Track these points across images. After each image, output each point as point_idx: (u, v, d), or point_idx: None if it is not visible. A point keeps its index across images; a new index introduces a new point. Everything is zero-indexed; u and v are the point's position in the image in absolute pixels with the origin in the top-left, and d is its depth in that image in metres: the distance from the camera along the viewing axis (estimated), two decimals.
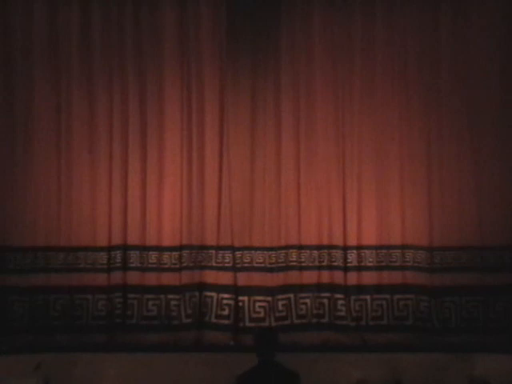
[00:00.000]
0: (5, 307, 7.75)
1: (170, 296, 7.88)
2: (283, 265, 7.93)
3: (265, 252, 7.96)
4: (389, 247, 7.92)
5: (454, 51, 8.03)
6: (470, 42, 8.04)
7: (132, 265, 7.91)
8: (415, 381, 7.26)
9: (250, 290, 7.89)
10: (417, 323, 7.82)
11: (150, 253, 7.94)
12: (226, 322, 7.81)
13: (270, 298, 7.87)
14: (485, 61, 8.00)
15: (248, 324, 7.83)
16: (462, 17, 8.05)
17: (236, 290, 7.89)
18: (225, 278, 7.89)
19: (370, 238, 7.93)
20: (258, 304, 7.88)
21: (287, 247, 7.96)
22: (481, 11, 8.05)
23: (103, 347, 7.64)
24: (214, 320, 7.83)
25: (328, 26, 8.09)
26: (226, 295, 7.85)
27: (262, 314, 7.86)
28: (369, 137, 8.02)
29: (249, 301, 7.88)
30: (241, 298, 7.86)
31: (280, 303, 7.88)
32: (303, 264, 7.93)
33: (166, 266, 7.93)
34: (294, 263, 7.94)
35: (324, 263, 7.92)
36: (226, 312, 7.83)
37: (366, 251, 7.92)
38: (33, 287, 7.79)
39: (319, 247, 7.94)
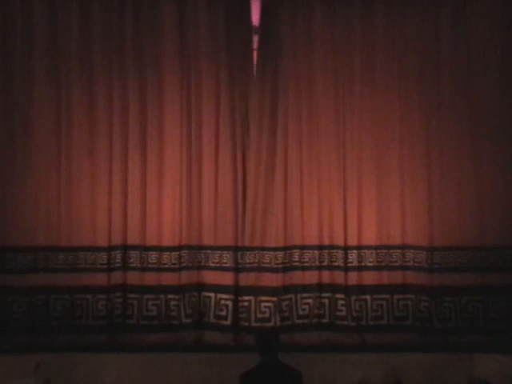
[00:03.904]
0: (5, 307, 7.74)
1: (170, 296, 7.87)
2: (287, 265, 7.91)
3: (270, 252, 7.92)
4: (389, 247, 7.93)
5: (455, 52, 8.05)
6: (471, 43, 8.05)
7: (132, 265, 7.90)
8: (415, 381, 7.27)
9: (254, 291, 7.86)
10: (417, 323, 7.82)
11: (150, 253, 7.93)
12: (225, 322, 7.81)
13: (275, 299, 7.85)
14: (486, 62, 8.02)
15: (254, 324, 7.81)
16: (463, 17, 8.06)
17: (237, 290, 7.88)
18: (225, 279, 7.88)
19: (370, 238, 7.94)
20: (263, 304, 7.85)
21: (290, 247, 7.94)
22: (482, 13, 8.05)
23: (103, 347, 7.63)
24: (213, 320, 7.82)
25: (328, 26, 8.08)
26: (226, 295, 7.84)
27: (267, 314, 7.84)
28: (369, 137, 8.02)
29: (255, 301, 7.85)
30: (247, 297, 7.85)
31: (283, 303, 7.86)
32: (305, 264, 7.91)
33: (166, 266, 7.92)
34: (297, 263, 7.93)
35: (325, 263, 7.91)
36: (224, 312, 7.82)
37: (367, 251, 7.93)
38: (33, 287, 7.77)
39: (320, 247, 7.93)
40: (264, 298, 7.85)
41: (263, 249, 7.94)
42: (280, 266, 7.91)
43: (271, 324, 7.80)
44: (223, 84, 8.06)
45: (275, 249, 7.93)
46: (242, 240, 7.92)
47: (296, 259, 7.93)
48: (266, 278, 7.90)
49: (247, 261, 7.91)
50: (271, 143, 8.02)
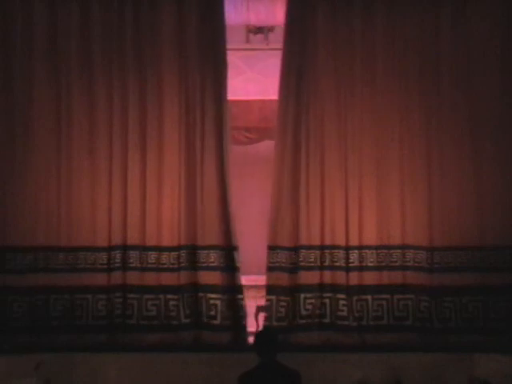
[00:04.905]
0: (5, 307, 7.75)
1: (169, 296, 7.87)
2: (297, 265, 7.89)
3: (285, 252, 7.92)
4: (389, 247, 7.92)
5: (455, 52, 8.06)
6: (471, 43, 8.06)
7: (132, 265, 7.89)
8: (415, 381, 7.27)
9: (275, 290, 7.86)
10: (417, 323, 7.82)
11: (150, 253, 7.93)
12: (224, 322, 7.82)
13: (288, 298, 7.86)
14: (486, 62, 8.03)
15: (275, 323, 7.83)
16: (463, 17, 8.07)
17: (225, 289, 7.88)
18: (226, 279, 7.89)
19: (370, 238, 7.92)
20: (280, 304, 7.87)
21: (297, 248, 7.92)
22: (482, 13, 8.06)
23: (103, 347, 7.63)
24: (211, 321, 7.82)
25: (330, 26, 8.08)
26: (226, 296, 7.85)
27: (283, 314, 7.86)
28: (369, 137, 8.02)
29: (276, 300, 7.85)
30: (268, 297, 7.87)
31: (295, 303, 7.86)
32: (311, 264, 7.89)
33: (165, 266, 7.91)
34: (303, 263, 7.90)
35: (326, 263, 7.89)
36: (216, 312, 7.82)
37: (367, 251, 7.92)
38: (33, 287, 7.77)
39: (322, 247, 7.92)
40: (282, 298, 7.88)
41: (282, 248, 7.94)
42: (291, 265, 7.91)
43: (286, 323, 7.83)
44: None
45: (289, 248, 7.93)
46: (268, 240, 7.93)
47: (301, 259, 7.92)
48: (283, 277, 7.91)
49: (271, 260, 7.90)
50: (298, 147, 8.00)
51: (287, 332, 7.69)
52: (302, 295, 7.86)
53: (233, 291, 7.87)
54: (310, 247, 7.93)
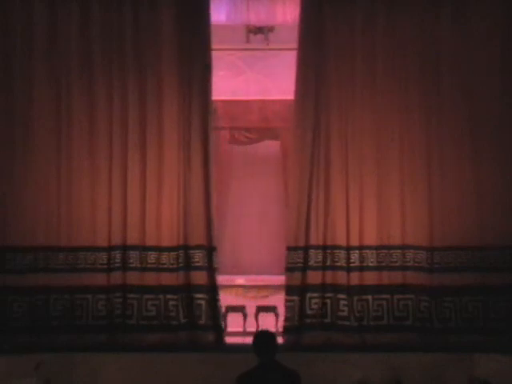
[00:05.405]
0: (5, 307, 7.75)
1: (169, 296, 7.88)
2: (305, 265, 7.91)
3: (302, 252, 7.93)
4: (389, 247, 7.92)
5: (455, 52, 8.07)
6: (471, 43, 8.06)
7: (131, 265, 7.90)
8: (415, 381, 7.26)
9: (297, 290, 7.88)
10: (417, 323, 7.82)
11: (149, 253, 7.93)
12: (209, 322, 7.84)
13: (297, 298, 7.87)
14: (486, 62, 8.03)
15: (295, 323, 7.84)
16: (463, 17, 8.08)
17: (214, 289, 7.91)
18: (209, 279, 7.91)
19: (371, 239, 7.93)
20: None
21: (307, 248, 7.94)
22: (482, 13, 8.07)
23: (103, 347, 7.63)
24: (199, 320, 7.83)
25: (332, 26, 8.08)
26: (208, 296, 7.86)
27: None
28: (369, 137, 8.03)
29: (299, 300, 7.85)
30: (290, 297, 7.89)
31: (301, 303, 7.88)
32: (319, 264, 7.90)
33: (165, 266, 7.92)
34: (312, 263, 7.91)
35: (328, 263, 7.90)
36: (209, 312, 7.84)
37: (368, 251, 7.92)
38: (33, 287, 7.78)
39: (324, 247, 7.93)
40: (297, 298, 7.88)
41: (301, 248, 7.95)
42: (304, 265, 7.93)
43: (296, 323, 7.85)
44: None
45: (303, 248, 7.93)
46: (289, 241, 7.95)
47: (310, 259, 7.92)
48: (299, 277, 7.92)
49: (290, 260, 7.92)
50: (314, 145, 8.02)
51: (294, 332, 7.71)
52: (308, 295, 7.87)
53: (213, 291, 7.90)
54: (317, 247, 7.94)
